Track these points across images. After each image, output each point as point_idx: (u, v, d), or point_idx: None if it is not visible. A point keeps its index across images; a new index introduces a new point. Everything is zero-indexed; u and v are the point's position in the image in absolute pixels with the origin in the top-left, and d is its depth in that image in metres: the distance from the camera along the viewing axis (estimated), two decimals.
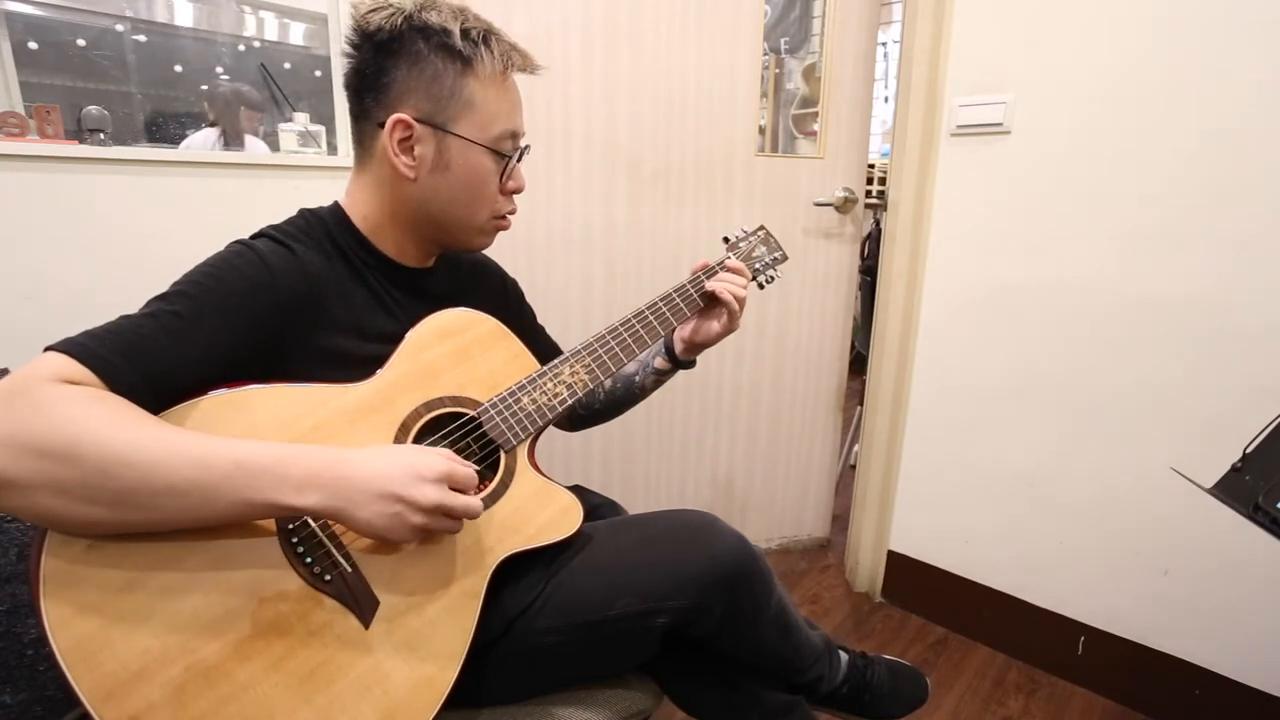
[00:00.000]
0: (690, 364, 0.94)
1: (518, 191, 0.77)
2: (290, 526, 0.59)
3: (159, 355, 0.57)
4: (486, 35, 0.69)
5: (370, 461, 0.57)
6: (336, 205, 0.74)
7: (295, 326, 0.65)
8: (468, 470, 0.61)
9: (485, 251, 0.84)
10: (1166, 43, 1.15)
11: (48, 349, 0.54)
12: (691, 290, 0.87)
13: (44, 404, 0.49)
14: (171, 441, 0.52)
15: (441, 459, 0.60)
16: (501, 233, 0.79)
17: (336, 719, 0.56)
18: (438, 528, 0.60)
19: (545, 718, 0.73)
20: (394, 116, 0.67)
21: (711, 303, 0.88)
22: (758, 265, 0.95)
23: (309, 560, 0.59)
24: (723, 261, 0.90)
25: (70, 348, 0.54)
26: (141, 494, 0.50)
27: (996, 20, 1.33)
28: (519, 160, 0.75)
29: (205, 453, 0.52)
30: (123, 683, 0.49)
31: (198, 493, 0.51)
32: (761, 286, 0.97)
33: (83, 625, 0.49)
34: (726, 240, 0.96)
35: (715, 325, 0.88)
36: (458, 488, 0.60)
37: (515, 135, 0.73)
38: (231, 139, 1.57)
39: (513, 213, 0.78)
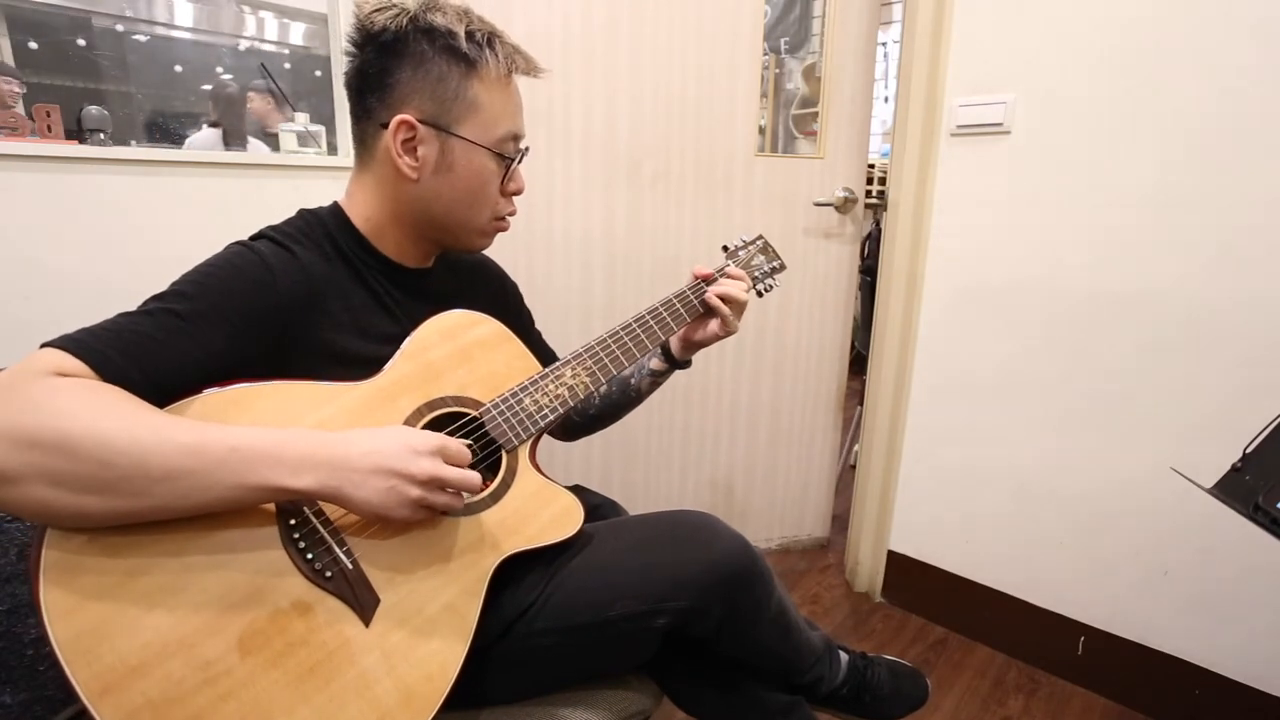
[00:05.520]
0: (686, 364, 0.94)
1: (518, 193, 0.77)
2: (291, 522, 0.59)
3: (155, 352, 0.57)
4: (491, 38, 0.69)
5: (364, 440, 0.58)
6: (336, 206, 0.74)
7: (295, 328, 0.65)
8: (460, 445, 0.61)
9: (486, 252, 0.85)
10: (1167, 43, 1.15)
11: (44, 345, 0.54)
12: (692, 296, 0.87)
13: (36, 397, 0.49)
14: (165, 428, 0.52)
15: (434, 434, 0.60)
16: (502, 234, 0.79)
17: (335, 717, 0.56)
18: (436, 502, 0.60)
19: (545, 718, 0.73)
20: (398, 117, 0.67)
21: (711, 308, 0.88)
22: (756, 274, 0.96)
23: (310, 556, 0.59)
24: (723, 269, 0.90)
25: (65, 343, 0.54)
26: (137, 481, 0.50)
27: (996, 20, 1.33)
28: (519, 162, 0.75)
29: (200, 439, 0.52)
30: (121, 677, 0.49)
31: (193, 478, 0.51)
32: (760, 295, 0.97)
33: (82, 619, 0.49)
34: (726, 249, 0.97)
35: (713, 328, 0.88)
36: (452, 462, 0.60)
37: (517, 137, 0.74)
38: (233, 139, 1.57)
39: (512, 214, 0.79)
